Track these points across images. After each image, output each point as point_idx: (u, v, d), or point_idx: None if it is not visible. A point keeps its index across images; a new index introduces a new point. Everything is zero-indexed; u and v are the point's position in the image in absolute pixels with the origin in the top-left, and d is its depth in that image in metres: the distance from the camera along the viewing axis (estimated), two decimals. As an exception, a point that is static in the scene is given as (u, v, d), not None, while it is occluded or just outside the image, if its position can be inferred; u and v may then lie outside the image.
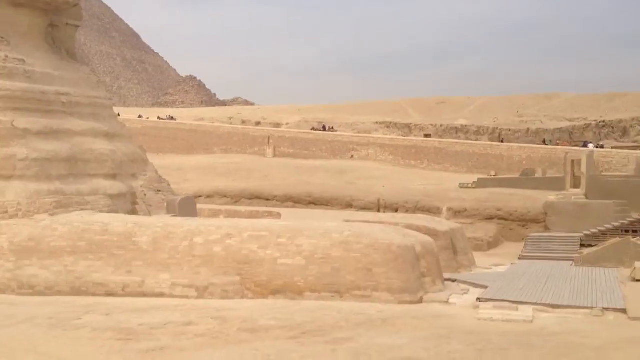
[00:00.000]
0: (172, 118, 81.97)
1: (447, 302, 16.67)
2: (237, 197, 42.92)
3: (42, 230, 18.68)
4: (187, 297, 17.02)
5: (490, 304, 15.92)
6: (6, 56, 22.25)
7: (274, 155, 66.33)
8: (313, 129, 73.40)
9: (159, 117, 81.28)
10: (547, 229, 35.44)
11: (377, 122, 78.44)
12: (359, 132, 73.31)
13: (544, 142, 64.26)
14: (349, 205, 40.44)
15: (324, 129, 73.76)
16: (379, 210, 39.23)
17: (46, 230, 18.65)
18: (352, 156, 64.76)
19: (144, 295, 17.20)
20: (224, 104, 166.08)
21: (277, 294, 16.84)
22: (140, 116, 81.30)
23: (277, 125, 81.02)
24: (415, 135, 71.60)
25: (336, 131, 72.41)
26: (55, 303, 16.27)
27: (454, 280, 19.53)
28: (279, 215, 26.73)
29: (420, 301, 16.64)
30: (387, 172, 55.06)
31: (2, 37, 22.78)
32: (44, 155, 20.98)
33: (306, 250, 17.07)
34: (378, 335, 13.04)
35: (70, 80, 24.48)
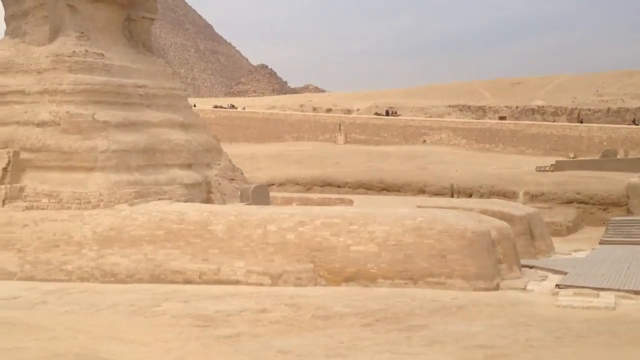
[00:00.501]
0: (232, 106, 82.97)
1: (524, 288, 16.24)
2: (309, 185, 43.16)
3: (123, 219, 19.30)
4: (261, 284, 17.27)
5: (570, 290, 15.40)
6: (86, 51, 23.03)
7: (345, 142, 66.29)
8: (376, 114, 72.81)
9: (215, 106, 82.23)
10: (629, 212, 33.95)
11: (449, 106, 77.06)
12: (431, 116, 72.25)
13: (633, 122, 61.24)
14: (421, 191, 39.99)
15: (387, 114, 73.06)
16: (452, 196, 38.63)
17: (126, 220, 19.26)
18: (424, 141, 63.98)
19: (220, 282, 17.56)
20: (295, 91, 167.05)
21: (350, 281, 16.85)
22: (216, 106, 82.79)
23: (348, 111, 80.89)
24: (489, 118, 69.97)
25: (399, 116, 71.57)
26: (135, 290, 16.82)
27: (531, 267, 19.00)
28: (351, 202, 26.72)
29: (497, 288, 16.29)
30: (461, 157, 54.12)
31: (82, 33, 23.58)
32: (123, 146, 21.63)
33: (379, 236, 16.99)
34: (453, 323, 12.86)
35: (146, 73, 25.13)
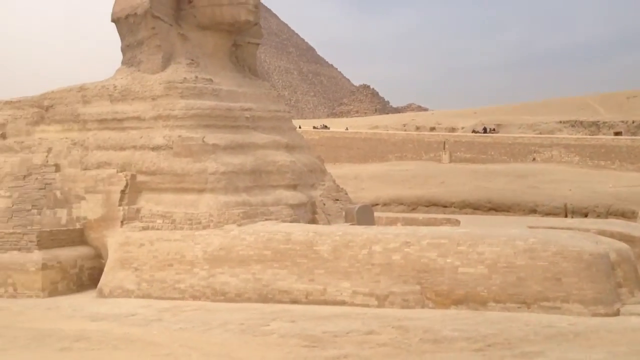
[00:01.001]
0: (325, 127, 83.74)
1: (648, 315, 15.17)
2: (413, 205, 42.73)
3: (232, 239, 19.77)
4: (367, 305, 17.12)
5: (702, 318, 14.25)
6: (196, 77, 23.97)
7: (450, 161, 65.23)
8: (473, 131, 71.15)
9: (314, 127, 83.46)
10: None
11: (560, 122, 74.26)
12: (541, 133, 69.79)
13: None
14: (532, 211, 38.64)
15: (485, 131, 71.23)
16: (565, 216, 37.04)
17: (235, 240, 19.71)
18: (533, 159, 61.84)
19: (326, 303, 17.56)
20: (397, 111, 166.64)
21: (459, 304, 16.39)
22: (324, 126, 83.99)
23: (453, 129, 79.66)
24: (604, 134, 66.77)
25: (497, 132, 69.54)
26: (244, 309, 17.12)
27: (655, 292, 17.75)
28: (457, 222, 26.11)
29: (617, 313, 15.33)
30: (574, 175, 51.84)
31: (192, 60, 24.58)
32: (232, 168, 22.24)
33: (488, 258, 16.45)
34: (570, 350, 12.18)
35: (252, 96, 25.82)
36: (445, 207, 41.14)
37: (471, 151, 65.56)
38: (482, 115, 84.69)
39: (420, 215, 31.11)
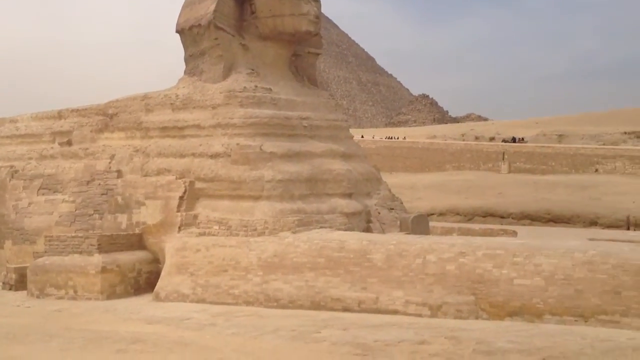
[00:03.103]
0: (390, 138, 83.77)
1: None
2: (470, 215, 42.19)
3: (286, 247, 19.95)
4: (420, 315, 16.99)
5: None
6: (256, 86, 24.36)
7: (509, 171, 64.09)
8: (503, 140, 69.70)
9: (362, 136, 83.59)
10: None
11: (625, 133, 72.03)
12: (604, 144, 67.85)
13: None
14: (592, 223, 37.62)
15: (514, 140, 69.76)
16: (628, 228, 35.86)
17: (289, 247, 19.88)
18: (596, 170, 60.18)
19: (378, 311, 17.50)
20: (456, 120, 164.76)
21: (514, 316, 16.08)
22: (374, 137, 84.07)
23: (513, 140, 78.17)
24: (670, 145, 64.35)
25: (526, 142, 67.94)
26: (297, 316, 17.22)
27: None
28: (514, 234, 25.67)
29: (679, 330, 14.75)
30: (637, 187, 50.15)
31: (252, 69, 25.01)
32: (288, 176, 22.46)
33: (545, 270, 16.10)
34: (629, 366, 11.81)
35: (311, 105, 26.04)
36: (503, 218, 40.45)
37: (531, 162, 64.25)
38: (544, 126, 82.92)
39: (476, 226, 30.70)
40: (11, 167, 28.33)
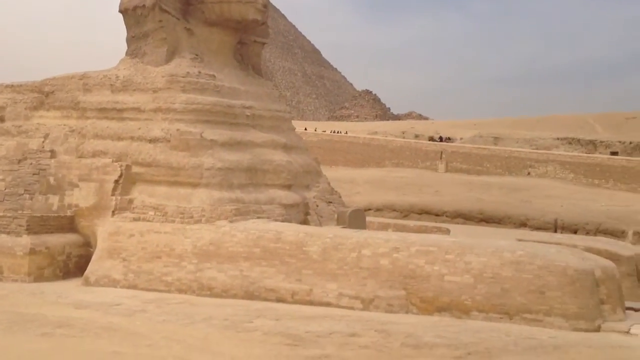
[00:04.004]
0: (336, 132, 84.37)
1: (627, 332, 15.31)
2: (406, 212, 42.88)
3: (222, 235, 19.85)
4: (352, 308, 17.22)
5: (681, 339, 14.37)
6: (199, 72, 24.06)
7: (446, 171, 65.46)
8: (430, 138, 71.47)
9: (305, 129, 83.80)
10: None
11: (557, 138, 74.58)
12: (537, 148, 70.07)
13: None
14: (522, 224, 38.83)
15: (441, 140, 71.89)
16: (555, 231, 37.21)
17: (225, 236, 19.79)
18: (528, 173, 62.13)
19: (312, 303, 17.65)
20: (397, 118, 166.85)
21: (443, 311, 16.50)
22: (316, 130, 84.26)
23: (450, 140, 79.83)
24: (600, 153, 67.04)
25: (452, 142, 70.10)
26: (230, 305, 17.20)
27: (637, 310, 17.90)
28: (447, 232, 26.27)
29: (598, 330, 15.46)
30: (567, 191, 52.09)
31: (196, 55, 24.68)
32: (228, 165, 22.32)
33: (475, 268, 16.57)
34: (549, 363, 12.30)
35: (254, 94, 25.91)
36: (438, 215, 41.30)
37: (467, 162, 65.78)
38: (481, 127, 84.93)
39: (411, 223, 31.28)
40: (-63, 141, 27.12)
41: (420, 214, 41.81)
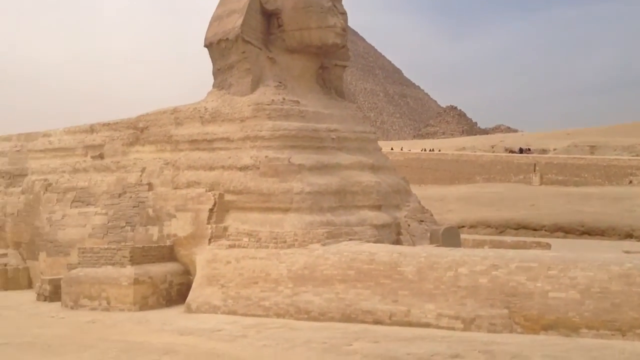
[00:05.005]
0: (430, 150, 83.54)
1: None
2: (501, 227, 41.64)
3: (316, 259, 19.88)
4: (453, 328, 16.76)
5: None
6: (283, 99, 24.44)
7: (541, 183, 63.27)
8: (511, 151, 68.83)
9: (392, 148, 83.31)
10: None
11: (659, 143, 70.72)
12: (637, 155, 66.72)
13: None
14: (628, 236, 36.85)
15: (521, 151, 69.03)
16: (664, 241, 35.06)
17: (319, 259, 19.80)
18: (630, 181, 59.14)
19: (410, 324, 17.32)
20: (485, 132, 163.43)
21: (549, 330, 15.77)
22: (403, 149, 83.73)
23: (544, 151, 77.34)
24: None
25: (532, 152, 67.12)
26: (328, 328, 17.12)
27: None
28: (548, 246, 25.28)
29: None
30: (674, 198, 49.10)
31: (280, 82, 25.12)
32: (317, 188, 22.43)
33: (581, 283, 15.79)
34: (671, 382, 11.47)
35: (338, 117, 26.03)
36: (536, 230, 39.83)
37: (563, 173, 63.38)
38: (576, 137, 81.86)
39: (508, 238, 30.30)
40: (45, 180, 28.75)
41: (517, 229, 40.46)
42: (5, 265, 28.27)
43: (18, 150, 31.76)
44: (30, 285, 27.72)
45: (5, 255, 28.92)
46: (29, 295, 25.41)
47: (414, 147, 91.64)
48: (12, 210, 29.67)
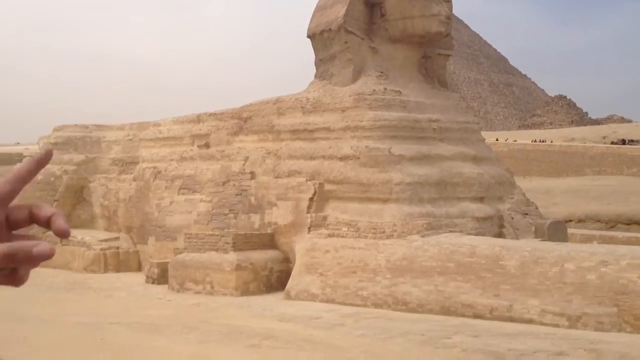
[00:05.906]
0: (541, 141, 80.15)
1: None
2: (612, 223, 39.56)
3: (414, 250, 19.73)
4: (557, 325, 16.17)
5: None
6: (385, 89, 24.33)
7: (657, 176, 59.59)
8: (612, 142, 64.18)
9: (496, 139, 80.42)
10: None
11: None
12: None
13: None
14: None
15: (624, 142, 64.31)
16: None
17: (418, 251, 19.64)
18: None
19: (512, 320, 16.87)
20: (596, 122, 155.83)
21: (663, 331, 14.90)
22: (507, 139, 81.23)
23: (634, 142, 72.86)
24: None
25: (636, 144, 62.30)
26: (426, 320, 16.97)
27: None
28: (663, 243, 23.79)
29: None
30: None
31: (381, 72, 25.00)
32: (417, 179, 22.21)
33: (699, 283, 14.80)
34: None
35: (440, 107, 25.62)
36: (650, 226, 37.58)
37: (682, 166, 59.43)
38: (696, 127, 76.46)
39: (619, 234, 28.76)
40: (154, 168, 30.11)
41: (628, 224, 38.33)
42: (118, 248, 29.87)
43: (130, 139, 33.42)
44: (139, 268, 29.20)
45: (117, 238, 30.57)
46: (138, 278, 26.78)
47: (520, 137, 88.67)
48: (124, 196, 31.28)
